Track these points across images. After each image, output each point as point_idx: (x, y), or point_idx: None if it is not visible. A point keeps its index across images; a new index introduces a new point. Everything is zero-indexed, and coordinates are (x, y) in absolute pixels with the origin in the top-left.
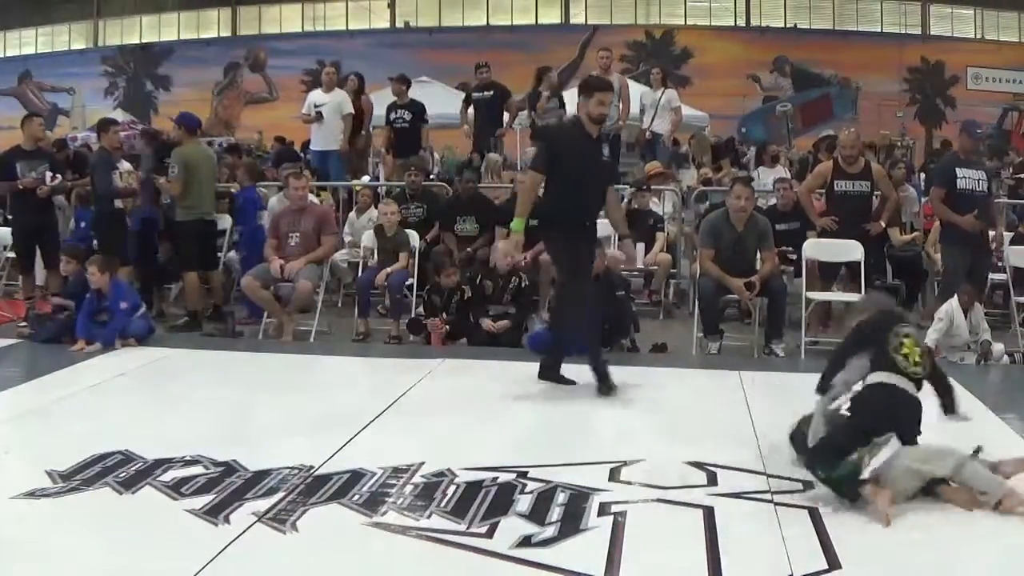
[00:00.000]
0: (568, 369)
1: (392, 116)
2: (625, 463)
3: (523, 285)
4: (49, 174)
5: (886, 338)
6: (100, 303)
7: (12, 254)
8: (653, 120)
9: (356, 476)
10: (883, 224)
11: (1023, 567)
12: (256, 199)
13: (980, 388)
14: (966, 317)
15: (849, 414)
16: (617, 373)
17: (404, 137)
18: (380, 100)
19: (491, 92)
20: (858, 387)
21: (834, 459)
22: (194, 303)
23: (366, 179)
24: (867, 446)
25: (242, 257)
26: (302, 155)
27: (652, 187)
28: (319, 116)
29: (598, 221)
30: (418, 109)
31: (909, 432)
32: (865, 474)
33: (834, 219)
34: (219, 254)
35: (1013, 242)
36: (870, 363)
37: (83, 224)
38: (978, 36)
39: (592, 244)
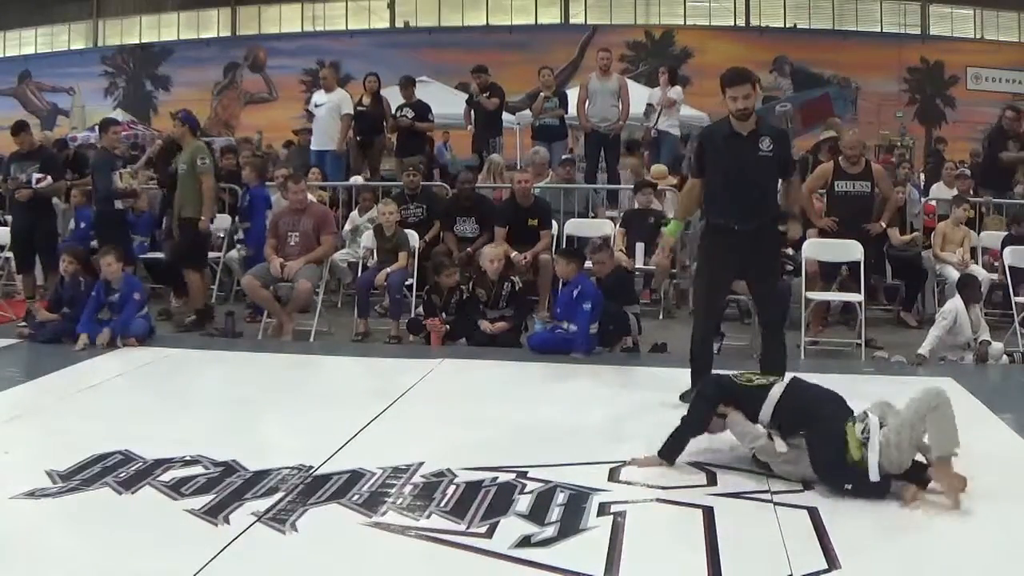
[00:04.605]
0: (569, 368)
1: (398, 115)
2: (625, 463)
3: (517, 288)
4: (36, 176)
5: (731, 381)
6: (108, 295)
7: (11, 254)
8: (658, 119)
9: (356, 476)
10: (883, 224)
11: (1022, 567)
12: (266, 196)
13: (978, 387)
14: (968, 315)
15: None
16: (617, 373)
17: (406, 136)
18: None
19: (487, 93)
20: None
21: (843, 467)
22: (197, 301)
23: (357, 179)
24: (842, 434)
25: (251, 255)
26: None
27: (658, 187)
28: (310, 115)
29: (598, 219)
30: (421, 109)
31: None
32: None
33: (834, 220)
34: (217, 254)
35: (1009, 242)
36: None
37: (83, 224)
38: (978, 36)
39: (747, 252)
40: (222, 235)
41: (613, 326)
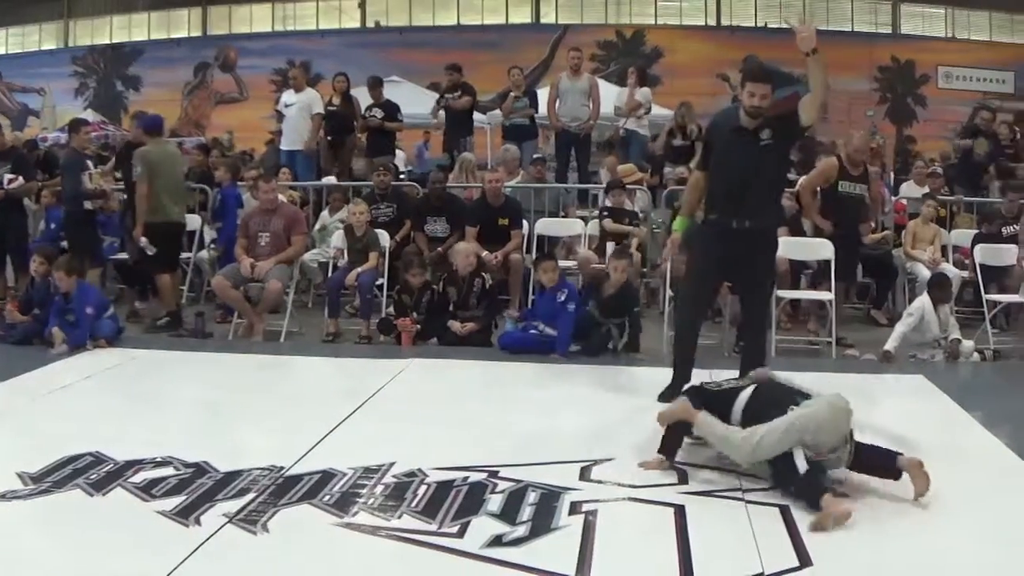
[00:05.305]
0: (541, 368)
1: (367, 115)
2: (595, 462)
3: (487, 286)
4: (8, 176)
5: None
6: (67, 304)
7: None
8: (626, 119)
9: (327, 476)
10: (873, 225)
11: (992, 563)
12: (238, 196)
13: (949, 385)
14: (936, 314)
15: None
16: (588, 373)
17: (375, 136)
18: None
19: (459, 93)
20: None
21: (792, 469)
22: (169, 303)
23: (331, 179)
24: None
25: (223, 254)
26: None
27: (627, 185)
28: (280, 116)
29: (568, 219)
30: (390, 109)
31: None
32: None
33: (832, 223)
34: (187, 254)
35: (979, 240)
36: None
37: (54, 225)
38: (949, 35)
39: (742, 253)
40: (150, 250)
41: (597, 338)
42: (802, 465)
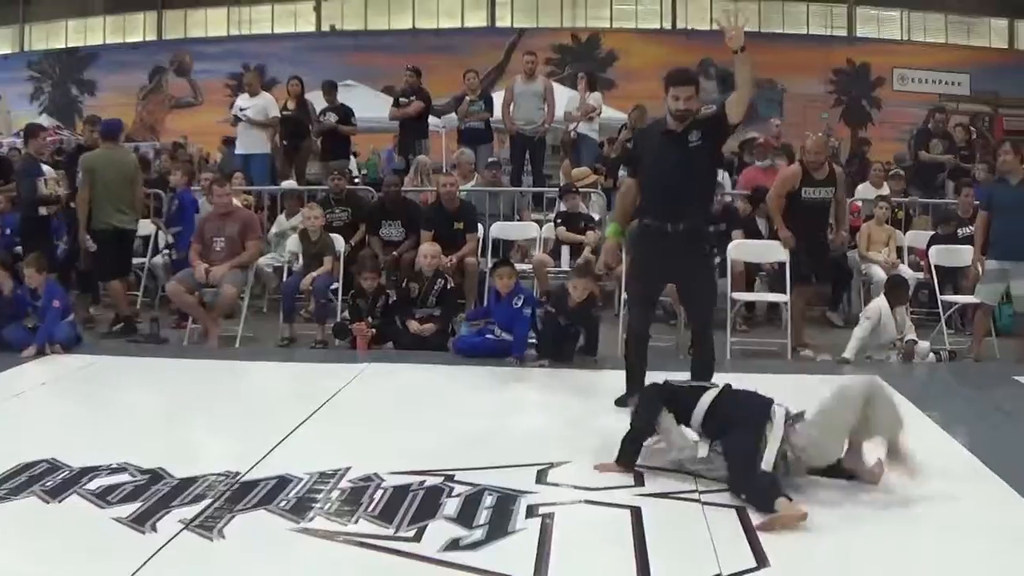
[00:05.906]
0: (497, 372)
1: (321, 119)
2: (552, 465)
3: (448, 287)
4: None
5: (668, 384)
6: (33, 299)
7: None
8: (578, 123)
9: (283, 482)
10: (844, 232)
11: (949, 562)
12: (194, 200)
13: (905, 386)
14: (893, 315)
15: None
16: (543, 375)
17: (330, 140)
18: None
19: (413, 97)
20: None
21: (752, 474)
22: (122, 309)
23: (290, 183)
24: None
25: (181, 258)
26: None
27: (580, 189)
28: (236, 120)
29: (523, 222)
30: (344, 112)
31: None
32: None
33: (797, 230)
34: (142, 259)
35: (935, 241)
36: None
37: (8, 231)
38: (904, 38)
39: (679, 255)
40: (91, 247)
41: (567, 341)
42: (768, 463)
